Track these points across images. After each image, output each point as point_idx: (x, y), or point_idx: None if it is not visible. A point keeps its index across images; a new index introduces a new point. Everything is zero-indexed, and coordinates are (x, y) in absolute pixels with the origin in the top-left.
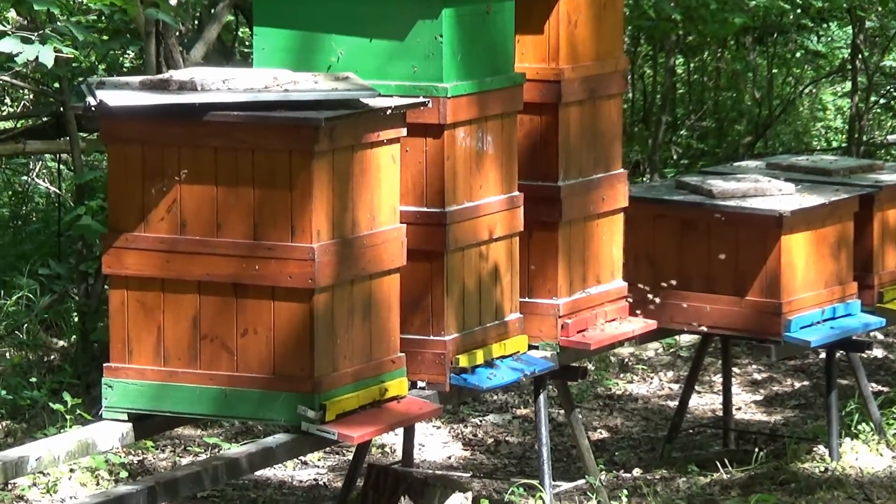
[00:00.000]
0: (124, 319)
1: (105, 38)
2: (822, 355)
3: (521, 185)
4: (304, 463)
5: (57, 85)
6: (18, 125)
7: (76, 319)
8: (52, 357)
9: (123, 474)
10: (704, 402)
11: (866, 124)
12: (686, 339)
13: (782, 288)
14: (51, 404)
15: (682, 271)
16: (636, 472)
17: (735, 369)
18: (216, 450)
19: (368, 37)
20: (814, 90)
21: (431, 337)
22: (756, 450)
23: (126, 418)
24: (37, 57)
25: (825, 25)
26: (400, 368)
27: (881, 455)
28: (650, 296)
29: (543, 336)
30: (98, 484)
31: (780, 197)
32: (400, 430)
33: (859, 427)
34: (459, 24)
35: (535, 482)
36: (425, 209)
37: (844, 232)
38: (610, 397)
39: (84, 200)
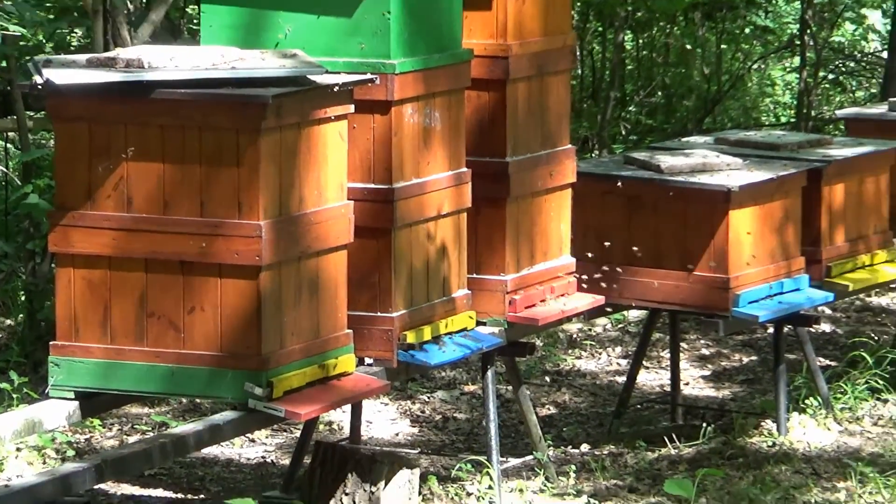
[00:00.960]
0: (71, 297)
1: (52, 16)
2: (770, 330)
3: (469, 161)
4: (252, 441)
5: (4, 63)
6: None
7: (23, 298)
8: None
9: (70, 453)
10: (652, 378)
11: (815, 99)
12: (634, 314)
13: (730, 263)
14: None
15: (631, 247)
16: (584, 447)
17: (683, 345)
18: (164, 428)
19: (316, 13)
20: (762, 66)
21: (379, 314)
22: (704, 425)
23: (73, 397)
24: None
25: (773, 1)
26: (347, 345)
27: (828, 429)
28: (599, 272)
29: (491, 312)
30: (45, 463)
31: (729, 172)
32: (347, 407)
33: (807, 402)
34: (407, 0)
35: (482, 458)
36: (373, 186)
37: (792, 207)
38: (558, 373)
39: (31, 179)
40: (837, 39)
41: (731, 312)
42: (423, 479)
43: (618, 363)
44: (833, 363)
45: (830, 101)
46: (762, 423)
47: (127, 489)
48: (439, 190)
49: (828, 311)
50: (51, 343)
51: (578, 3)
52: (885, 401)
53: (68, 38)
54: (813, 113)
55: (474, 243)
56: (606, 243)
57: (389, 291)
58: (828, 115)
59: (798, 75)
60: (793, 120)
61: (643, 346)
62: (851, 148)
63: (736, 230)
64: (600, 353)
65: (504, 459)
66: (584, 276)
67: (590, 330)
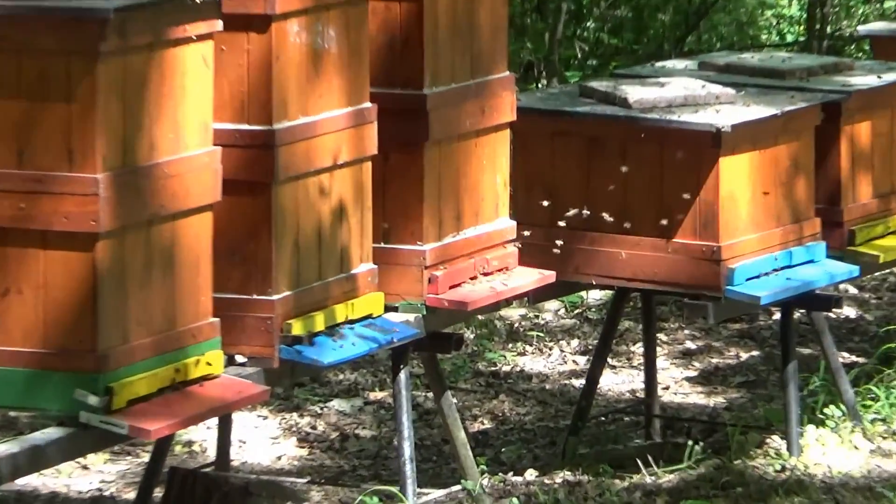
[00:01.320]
0: None
1: None
2: (777, 316)
3: (375, 94)
4: (85, 467)
5: None
6: None
7: None
8: None
9: None
10: (621, 381)
11: (831, 12)
12: (596, 295)
13: (721, 226)
14: None
15: (590, 206)
16: (530, 474)
17: (661, 336)
18: None
19: None
20: None
21: (255, 296)
22: (690, 443)
23: None
24: None
25: None
26: (213, 339)
27: (856, 448)
28: (548, 240)
29: (405, 293)
30: None
31: (718, 107)
32: (213, 423)
33: (826, 411)
34: None
35: (394, 489)
36: (247, 127)
37: (803, 152)
38: (495, 375)
39: None
40: None
41: (723, 292)
42: None
43: (574, 361)
44: (861, 359)
45: (851, 13)
46: (767, 441)
47: None
48: (335, 132)
49: (852, 291)
50: None
51: None
52: None
53: None
54: (829, 29)
55: (382, 203)
56: (554, 202)
57: (269, 267)
58: (848, 31)
59: None
60: (802, 38)
61: (607, 337)
62: (879, 74)
63: (729, 183)
64: (551, 348)
65: (423, 491)
66: (529, 245)
67: (536, 317)
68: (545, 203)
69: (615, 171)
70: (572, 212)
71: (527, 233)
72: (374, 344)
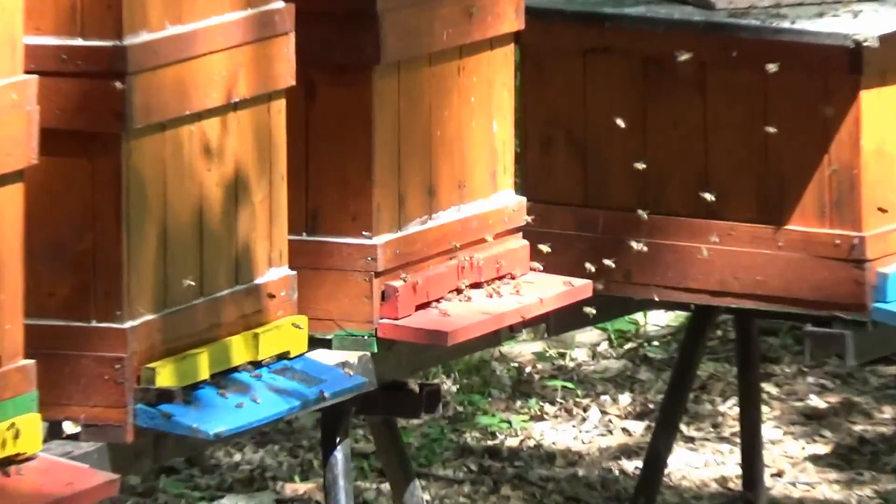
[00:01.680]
0: None
1: None
2: None
3: None
4: None
5: None
6: None
7: None
8: None
9: None
10: (703, 461)
11: None
12: (659, 319)
13: (865, 206)
14: None
15: (648, 172)
16: None
17: (768, 387)
18: None
19: None
20: None
21: (94, 324)
22: None
23: None
24: None
25: None
26: (24, 394)
27: None
28: (586, 229)
29: (343, 318)
30: None
31: (856, 6)
32: None
33: None
34: None
35: None
36: (81, 42)
37: None
38: (493, 454)
39: None
40: None
41: (870, 313)
42: None
43: (625, 430)
44: None
45: None
46: None
47: None
48: (226, 51)
49: None
50: None
51: None
52: None
53: None
54: None
55: (305, 168)
56: (588, 165)
57: (117, 275)
58: None
59: None
60: None
61: (680, 390)
62: None
63: (876, 133)
64: (586, 409)
65: None
66: (547, 236)
67: (561, 357)
68: (573, 168)
69: (688, 112)
70: (638, 164)
71: (545, 248)
72: (293, 402)
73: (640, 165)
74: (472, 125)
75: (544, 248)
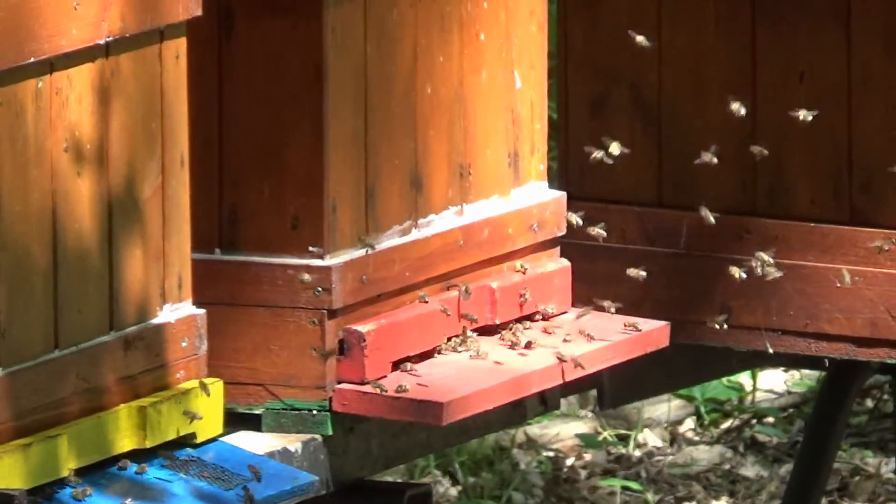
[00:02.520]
0: None
1: None
2: None
3: None
4: None
5: None
6: None
7: None
8: None
9: None
10: None
11: None
12: (774, 383)
13: None
14: None
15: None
16: None
17: None
18: None
19: None
20: None
21: None
22: None
23: None
24: None
25: None
26: None
27: None
28: (660, 241)
29: (281, 380)
30: None
31: None
32: None
33: None
34: None
35: None
36: None
37: None
38: None
39: None
40: None
41: None
42: None
43: None
44: None
45: None
46: None
47: None
48: None
49: None
50: None
51: None
52: None
53: None
54: None
55: (218, 148)
56: (661, 139)
57: None
58: None
59: None
60: None
61: (806, 493)
62: None
63: None
64: None
65: None
66: (594, 251)
67: (622, 443)
68: (640, 145)
69: (822, 61)
70: (706, 157)
71: (597, 231)
72: None
73: (759, 150)
74: (482, 79)
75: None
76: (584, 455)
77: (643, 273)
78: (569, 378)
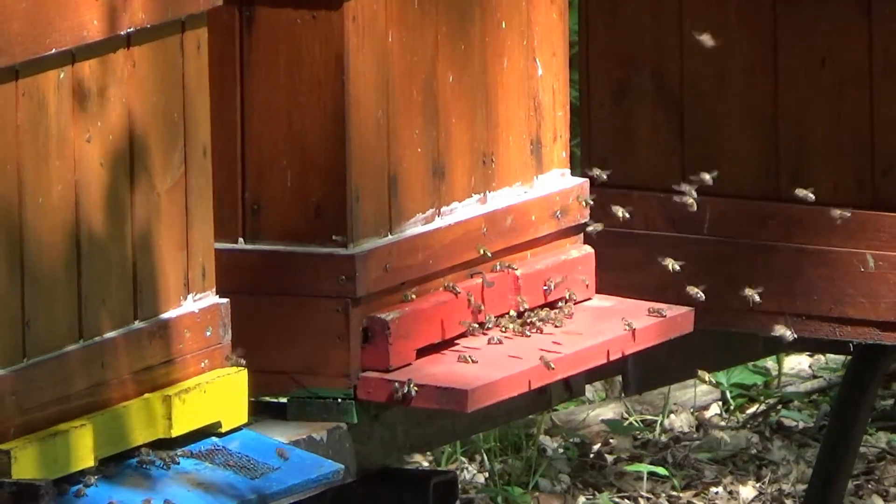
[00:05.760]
0: None
1: None
2: None
3: None
4: None
5: None
6: None
7: None
8: None
9: None
10: None
11: None
12: (800, 366)
13: None
14: None
15: (785, 138)
16: None
17: None
18: None
19: None
20: None
21: None
22: None
23: None
24: None
25: None
26: None
27: None
28: (685, 222)
29: (305, 369)
30: None
31: None
32: None
33: None
34: None
35: None
36: None
37: None
38: None
39: None
40: None
41: None
42: None
43: None
44: None
45: None
46: None
47: None
48: None
49: None
50: None
51: None
52: None
53: None
54: None
55: (240, 133)
56: (683, 116)
57: None
58: None
59: None
60: None
61: (833, 477)
62: None
63: None
64: None
65: None
66: (621, 238)
67: (649, 428)
68: (664, 132)
69: (844, 45)
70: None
71: (621, 212)
72: (229, 502)
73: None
74: (504, 67)
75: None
76: (611, 440)
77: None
78: (593, 365)
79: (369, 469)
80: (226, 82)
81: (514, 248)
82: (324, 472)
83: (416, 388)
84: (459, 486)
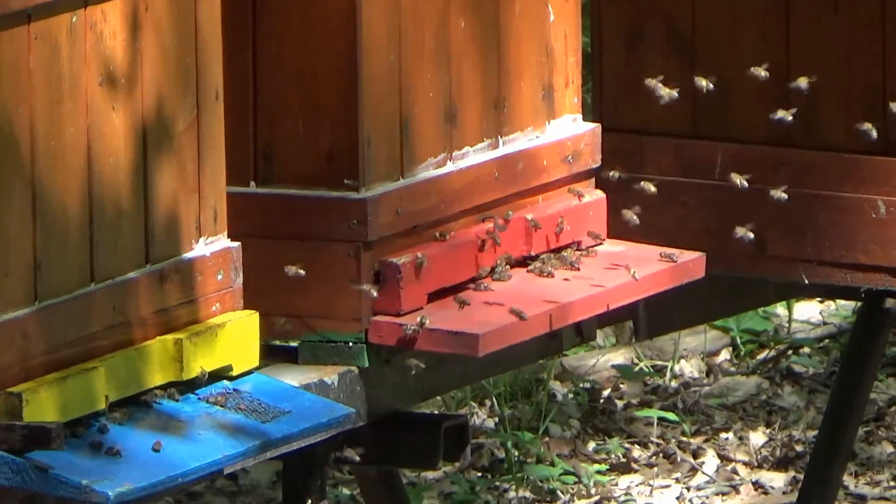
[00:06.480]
0: None
1: None
2: None
3: None
4: None
5: None
6: None
7: None
8: None
9: None
10: None
11: None
12: (810, 312)
13: None
14: None
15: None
16: None
17: None
18: None
19: None
20: None
21: None
22: None
23: None
24: None
25: None
26: None
27: None
28: (698, 172)
29: (316, 314)
30: None
31: None
32: None
33: None
34: None
35: None
36: None
37: None
38: None
39: None
40: None
41: None
42: None
43: (758, 485)
44: None
45: None
46: None
47: None
48: None
49: None
50: None
51: None
52: None
53: None
54: None
55: (252, 78)
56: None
57: None
58: None
59: None
60: None
61: (842, 424)
62: None
63: None
64: (697, 454)
65: None
66: (632, 185)
67: (659, 374)
68: (675, 78)
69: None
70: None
71: (629, 215)
72: (239, 446)
73: (802, 84)
74: (516, 12)
75: (630, 214)
76: (621, 386)
77: (635, 218)
78: (604, 310)
79: (380, 413)
80: (238, 28)
81: (526, 192)
82: (335, 415)
83: (427, 323)
84: (470, 431)
